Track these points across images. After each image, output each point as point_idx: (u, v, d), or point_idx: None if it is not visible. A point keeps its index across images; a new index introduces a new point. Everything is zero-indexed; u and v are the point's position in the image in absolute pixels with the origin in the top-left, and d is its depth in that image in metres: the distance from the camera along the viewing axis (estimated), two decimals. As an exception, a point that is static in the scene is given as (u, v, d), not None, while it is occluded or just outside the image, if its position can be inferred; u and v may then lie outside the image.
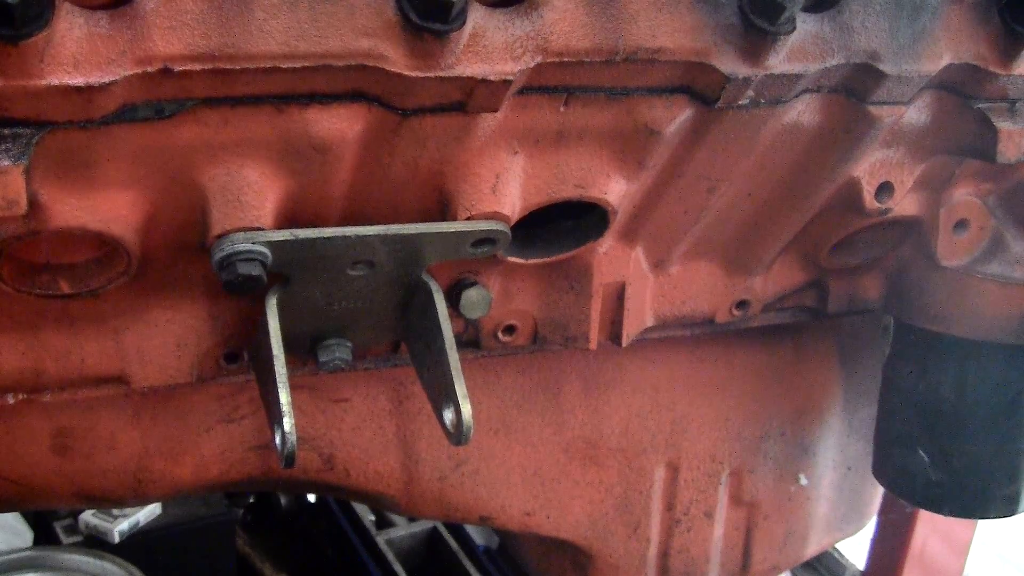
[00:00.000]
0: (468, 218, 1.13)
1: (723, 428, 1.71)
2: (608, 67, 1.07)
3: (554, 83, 1.08)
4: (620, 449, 1.64)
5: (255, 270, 1.04)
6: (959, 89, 1.28)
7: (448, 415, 1.17)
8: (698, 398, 1.67)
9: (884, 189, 1.35)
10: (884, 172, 1.34)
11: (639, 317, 1.41)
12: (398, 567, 2.62)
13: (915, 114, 1.29)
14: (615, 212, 1.23)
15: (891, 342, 1.63)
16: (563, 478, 1.62)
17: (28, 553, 1.56)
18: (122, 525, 2.33)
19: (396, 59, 0.97)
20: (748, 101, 1.15)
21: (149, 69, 0.91)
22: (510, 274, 1.31)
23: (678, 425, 1.67)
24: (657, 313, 1.44)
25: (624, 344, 1.40)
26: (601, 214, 1.24)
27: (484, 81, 1.00)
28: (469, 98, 1.02)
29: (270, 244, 1.05)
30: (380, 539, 2.73)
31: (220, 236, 1.04)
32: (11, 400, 1.20)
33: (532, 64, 1.03)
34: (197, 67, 0.92)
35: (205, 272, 1.12)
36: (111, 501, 1.41)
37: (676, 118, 1.15)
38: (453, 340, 1.17)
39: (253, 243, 1.04)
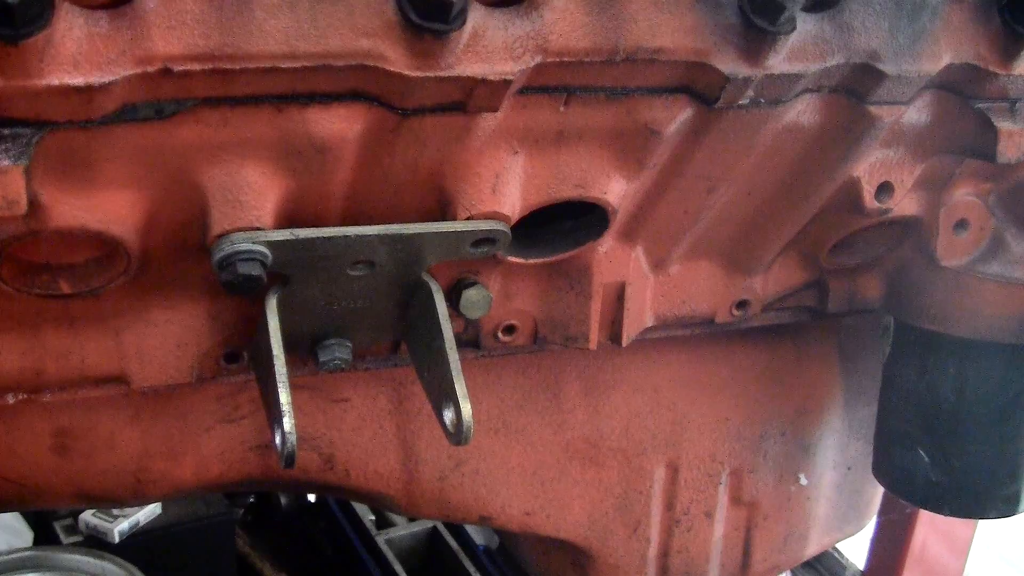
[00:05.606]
0: (468, 218, 1.13)
1: (723, 428, 1.71)
2: (608, 67, 1.07)
3: (554, 83, 1.08)
4: (620, 449, 1.64)
5: (255, 270, 1.04)
6: (959, 89, 1.28)
7: (448, 415, 1.17)
8: (698, 398, 1.67)
9: (884, 189, 1.35)
10: (884, 172, 1.34)
11: (639, 317, 1.41)
12: (398, 567, 2.63)
13: (915, 114, 1.29)
14: (615, 212, 1.23)
15: (891, 342, 1.63)
16: (563, 478, 1.61)
17: (28, 553, 1.56)
18: (122, 525, 2.33)
19: (396, 59, 0.97)
20: (748, 101, 1.15)
21: (149, 69, 0.91)
22: (510, 274, 1.31)
23: (678, 425, 1.67)
24: (657, 313, 1.44)
25: (624, 344, 1.40)
26: (601, 214, 1.24)
27: (484, 81, 1.00)
28: (469, 98, 1.02)
29: (270, 244, 1.05)
30: (380, 539, 2.73)
31: (220, 236, 1.04)
32: (11, 400, 1.20)
33: (532, 64, 1.02)
34: (197, 67, 0.92)
35: (205, 272, 1.12)
36: (111, 501, 1.41)
37: (676, 118, 1.15)
38: (453, 340, 1.17)
39: (253, 243, 1.04)
